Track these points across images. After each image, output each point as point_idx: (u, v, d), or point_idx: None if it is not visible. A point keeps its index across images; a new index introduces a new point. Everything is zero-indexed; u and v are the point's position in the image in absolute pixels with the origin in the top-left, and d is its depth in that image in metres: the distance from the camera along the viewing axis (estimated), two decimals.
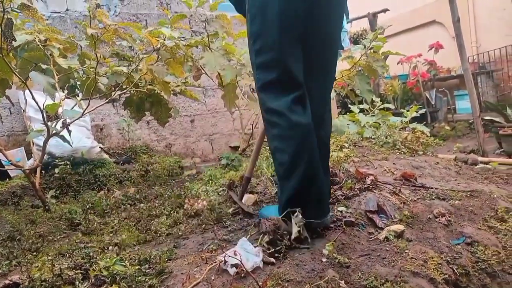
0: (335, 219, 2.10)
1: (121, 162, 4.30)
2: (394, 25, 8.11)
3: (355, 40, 8.39)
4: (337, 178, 2.56)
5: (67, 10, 4.71)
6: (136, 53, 3.07)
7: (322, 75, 2.07)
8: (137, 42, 2.93)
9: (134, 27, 2.79)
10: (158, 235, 2.19)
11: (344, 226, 2.03)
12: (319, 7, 1.92)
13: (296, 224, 1.96)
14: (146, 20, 5.11)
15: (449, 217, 2.20)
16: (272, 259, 1.73)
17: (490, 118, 5.10)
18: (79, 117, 2.58)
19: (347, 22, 6.85)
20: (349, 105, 4.63)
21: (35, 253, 2.02)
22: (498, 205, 2.39)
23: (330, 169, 2.61)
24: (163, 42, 2.62)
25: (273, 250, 1.78)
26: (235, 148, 5.38)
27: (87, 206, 2.84)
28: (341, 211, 2.18)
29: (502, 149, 4.48)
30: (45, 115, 2.56)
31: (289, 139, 1.89)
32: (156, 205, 2.77)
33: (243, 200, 2.51)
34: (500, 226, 2.21)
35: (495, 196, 2.51)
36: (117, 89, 2.91)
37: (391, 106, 4.72)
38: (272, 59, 1.88)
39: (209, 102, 5.57)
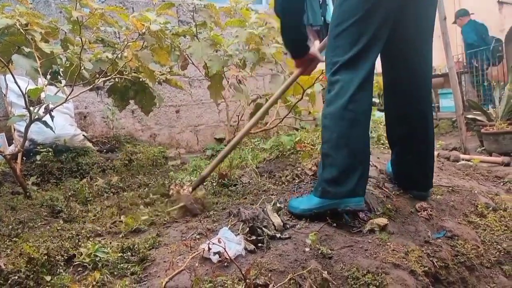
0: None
1: (105, 150, 4.25)
2: None
3: None
4: None
5: None
6: (122, 40, 3.02)
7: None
8: (123, 28, 2.88)
9: (119, 13, 2.74)
10: (141, 223, 2.17)
11: (327, 218, 2.04)
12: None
13: (274, 211, 1.99)
14: (133, 8, 5.03)
15: (431, 211, 2.24)
16: (253, 246, 1.75)
17: (473, 117, 5.17)
18: (62, 103, 2.53)
19: None
20: None
21: (15, 239, 1.98)
22: (478, 200, 2.44)
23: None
24: (149, 26, 2.59)
25: (254, 238, 1.79)
26: (220, 140, 5.36)
27: (69, 194, 2.80)
28: None
29: (484, 147, 4.55)
30: (27, 100, 2.51)
31: (340, 120, 1.99)
32: (140, 193, 2.75)
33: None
34: (480, 221, 2.26)
35: (475, 192, 2.55)
36: (101, 75, 2.87)
37: (376, 100, 4.75)
38: (351, 42, 1.99)
39: (195, 93, 5.53)
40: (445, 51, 4.40)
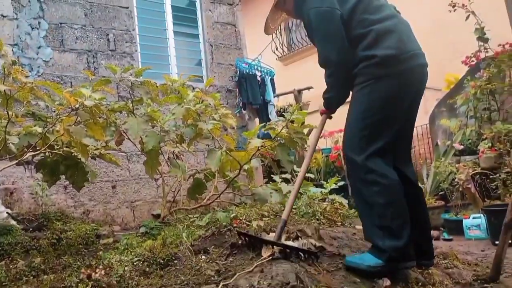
0: None
1: (31, 229, 3.99)
2: (318, 102, 8.62)
3: (281, 114, 8.76)
4: None
5: None
6: (55, 114, 2.97)
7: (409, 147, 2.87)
8: (56, 102, 2.84)
9: (52, 87, 2.71)
10: None
11: None
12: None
13: None
14: (71, 83, 5.01)
15: None
16: None
17: None
18: None
19: (274, 97, 7.22)
20: (272, 175, 4.72)
21: None
22: (408, 276, 2.47)
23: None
24: (83, 102, 2.57)
25: None
26: (157, 216, 5.19)
27: None
28: (259, 282, 2.13)
29: None
30: None
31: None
32: (63, 276, 2.56)
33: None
34: None
35: None
36: (29, 150, 2.76)
37: (312, 176, 4.87)
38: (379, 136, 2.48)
39: (133, 168, 5.43)
40: None
